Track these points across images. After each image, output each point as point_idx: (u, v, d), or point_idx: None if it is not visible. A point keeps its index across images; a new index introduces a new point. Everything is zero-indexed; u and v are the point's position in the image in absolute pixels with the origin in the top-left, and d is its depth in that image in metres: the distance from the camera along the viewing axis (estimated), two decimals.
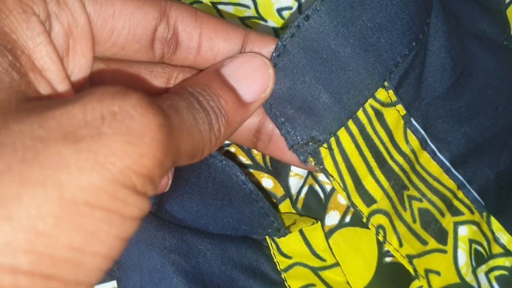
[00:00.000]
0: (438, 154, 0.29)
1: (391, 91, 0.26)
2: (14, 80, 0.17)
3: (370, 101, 0.26)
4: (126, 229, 0.16)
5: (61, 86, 0.19)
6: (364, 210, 0.27)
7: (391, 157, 0.27)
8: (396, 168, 0.28)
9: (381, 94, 0.26)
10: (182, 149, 0.18)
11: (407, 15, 0.24)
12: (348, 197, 0.26)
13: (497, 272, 0.29)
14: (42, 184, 0.14)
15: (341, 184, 0.26)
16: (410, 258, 0.28)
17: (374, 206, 0.27)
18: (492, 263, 0.29)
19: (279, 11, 0.32)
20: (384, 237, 0.27)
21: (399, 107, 0.27)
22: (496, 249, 0.29)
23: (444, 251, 0.29)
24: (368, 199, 0.27)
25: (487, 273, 0.29)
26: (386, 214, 0.27)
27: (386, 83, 0.26)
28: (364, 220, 0.27)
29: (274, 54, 0.23)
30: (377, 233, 0.27)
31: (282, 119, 0.24)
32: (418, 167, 0.29)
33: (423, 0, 0.25)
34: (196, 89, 0.20)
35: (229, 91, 0.21)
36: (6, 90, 0.16)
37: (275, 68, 0.23)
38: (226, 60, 0.23)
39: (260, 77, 0.22)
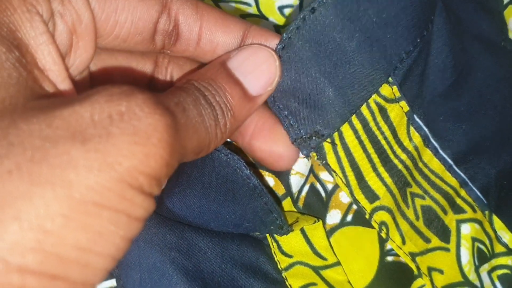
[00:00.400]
0: (441, 151, 0.29)
1: (395, 87, 0.26)
2: (21, 76, 0.17)
3: (374, 96, 0.26)
4: (132, 229, 0.16)
5: (63, 86, 0.19)
6: (367, 206, 0.27)
7: (394, 153, 0.27)
8: (399, 165, 0.28)
9: (385, 89, 0.26)
10: (188, 147, 0.18)
11: (413, 11, 0.24)
12: (351, 193, 0.26)
13: (499, 271, 0.29)
14: (51, 183, 0.14)
15: (343, 180, 0.26)
16: (413, 256, 0.28)
17: (377, 203, 0.27)
18: (495, 262, 0.29)
19: (281, 8, 0.32)
20: (387, 234, 0.27)
21: (403, 103, 0.27)
22: (499, 248, 0.29)
23: (447, 249, 0.28)
24: (371, 196, 0.27)
25: (489, 272, 0.29)
26: (389, 211, 0.27)
27: (390, 78, 0.26)
28: (367, 216, 0.27)
29: (279, 47, 0.23)
30: (380, 230, 0.27)
31: (286, 112, 0.24)
32: (420, 164, 0.29)
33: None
34: (202, 83, 0.20)
35: (235, 85, 0.21)
36: (14, 85, 0.16)
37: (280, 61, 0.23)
38: (232, 53, 0.23)
39: (266, 70, 0.22)
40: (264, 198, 0.24)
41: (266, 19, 0.32)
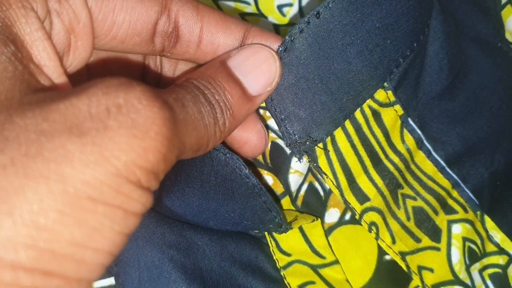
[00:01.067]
0: (433, 153, 0.30)
1: (390, 92, 0.27)
2: (17, 69, 0.17)
3: (368, 101, 0.26)
4: (128, 224, 0.16)
5: (59, 81, 0.19)
6: (357, 207, 0.27)
7: (386, 156, 0.28)
8: (391, 167, 0.28)
9: (380, 94, 0.26)
10: (187, 143, 0.18)
11: (412, 16, 0.24)
12: (341, 194, 0.26)
13: (491, 270, 0.29)
14: (45, 178, 0.14)
15: (334, 182, 0.26)
16: (402, 255, 0.28)
17: (368, 204, 0.27)
18: (486, 261, 0.30)
19: (280, 7, 0.32)
20: (377, 233, 0.27)
21: (397, 107, 0.28)
22: (490, 248, 0.30)
23: (438, 249, 0.29)
24: (362, 197, 0.27)
25: (481, 271, 0.29)
26: (379, 211, 0.28)
27: (386, 83, 0.26)
28: (357, 217, 0.27)
29: (280, 48, 0.23)
30: (370, 230, 0.27)
31: (282, 116, 0.24)
32: (413, 166, 0.29)
33: (426, 1, 0.26)
34: (201, 82, 0.20)
35: (234, 84, 0.21)
36: (9, 79, 0.16)
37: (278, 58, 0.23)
38: (232, 52, 0.22)
39: (266, 70, 0.22)
40: (263, 197, 0.24)
41: (265, 17, 0.32)
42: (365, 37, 0.23)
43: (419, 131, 0.29)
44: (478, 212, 0.30)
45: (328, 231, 0.29)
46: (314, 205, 0.29)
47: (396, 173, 0.28)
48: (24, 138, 0.14)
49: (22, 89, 0.16)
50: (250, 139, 0.25)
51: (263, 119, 0.29)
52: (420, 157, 0.29)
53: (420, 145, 0.29)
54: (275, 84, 0.23)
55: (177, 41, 0.23)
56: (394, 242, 0.28)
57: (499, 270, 0.29)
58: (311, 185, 0.29)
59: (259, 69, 0.22)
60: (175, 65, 0.26)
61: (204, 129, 0.19)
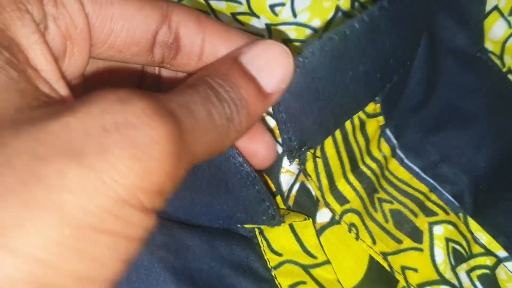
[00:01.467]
0: (406, 161, 0.31)
1: (379, 104, 0.27)
2: (12, 79, 0.16)
3: (359, 113, 0.26)
4: (130, 251, 0.15)
5: (57, 86, 0.18)
6: (337, 208, 0.28)
7: (363, 162, 0.29)
8: (368, 172, 0.29)
9: (370, 107, 0.27)
10: (198, 151, 0.17)
11: (413, 35, 0.25)
12: (322, 196, 0.27)
13: (479, 271, 0.30)
14: (44, 207, 0.13)
15: (317, 184, 0.27)
16: (384, 255, 0.29)
17: (347, 206, 0.28)
18: (473, 262, 0.30)
19: (272, 7, 0.32)
20: (357, 234, 0.28)
21: (380, 118, 0.29)
22: (476, 249, 0.30)
23: (420, 249, 0.29)
24: (341, 199, 0.28)
25: (468, 272, 0.30)
26: (357, 213, 0.28)
27: (377, 97, 0.26)
28: (337, 217, 0.28)
29: (300, 59, 0.22)
30: (350, 230, 0.28)
31: (287, 124, 0.24)
32: (386, 173, 0.30)
33: (421, 18, 0.26)
34: (215, 79, 0.19)
35: (249, 81, 0.20)
36: (1, 92, 0.15)
37: (295, 69, 0.21)
38: (243, 48, 0.21)
39: (280, 66, 0.21)
40: (256, 186, 0.24)
41: (257, 17, 0.32)
42: (377, 56, 0.23)
43: (394, 140, 0.30)
44: (461, 214, 0.31)
45: (320, 231, 0.29)
46: (306, 204, 0.29)
47: (373, 178, 0.29)
48: (18, 163, 0.13)
49: (16, 103, 0.15)
50: (259, 151, 0.24)
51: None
52: (394, 164, 0.30)
53: (394, 153, 0.30)
54: (288, 82, 0.21)
55: (177, 53, 0.22)
56: (374, 242, 0.28)
57: (487, 271, 0.30)
58: (302, 185, 0.29)
59: (273, 65, 0.20)
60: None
61: (215, 132, 0.18)
